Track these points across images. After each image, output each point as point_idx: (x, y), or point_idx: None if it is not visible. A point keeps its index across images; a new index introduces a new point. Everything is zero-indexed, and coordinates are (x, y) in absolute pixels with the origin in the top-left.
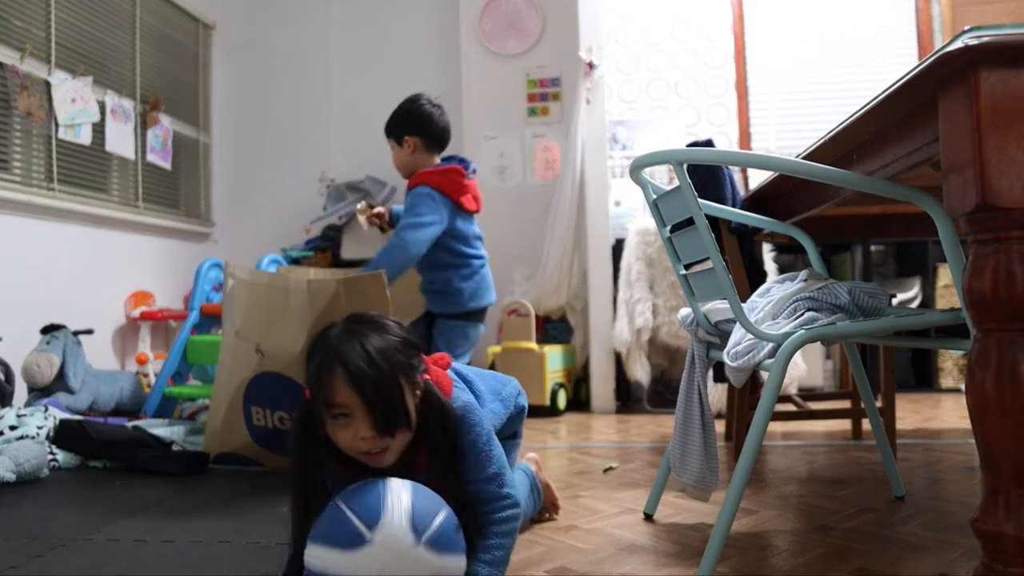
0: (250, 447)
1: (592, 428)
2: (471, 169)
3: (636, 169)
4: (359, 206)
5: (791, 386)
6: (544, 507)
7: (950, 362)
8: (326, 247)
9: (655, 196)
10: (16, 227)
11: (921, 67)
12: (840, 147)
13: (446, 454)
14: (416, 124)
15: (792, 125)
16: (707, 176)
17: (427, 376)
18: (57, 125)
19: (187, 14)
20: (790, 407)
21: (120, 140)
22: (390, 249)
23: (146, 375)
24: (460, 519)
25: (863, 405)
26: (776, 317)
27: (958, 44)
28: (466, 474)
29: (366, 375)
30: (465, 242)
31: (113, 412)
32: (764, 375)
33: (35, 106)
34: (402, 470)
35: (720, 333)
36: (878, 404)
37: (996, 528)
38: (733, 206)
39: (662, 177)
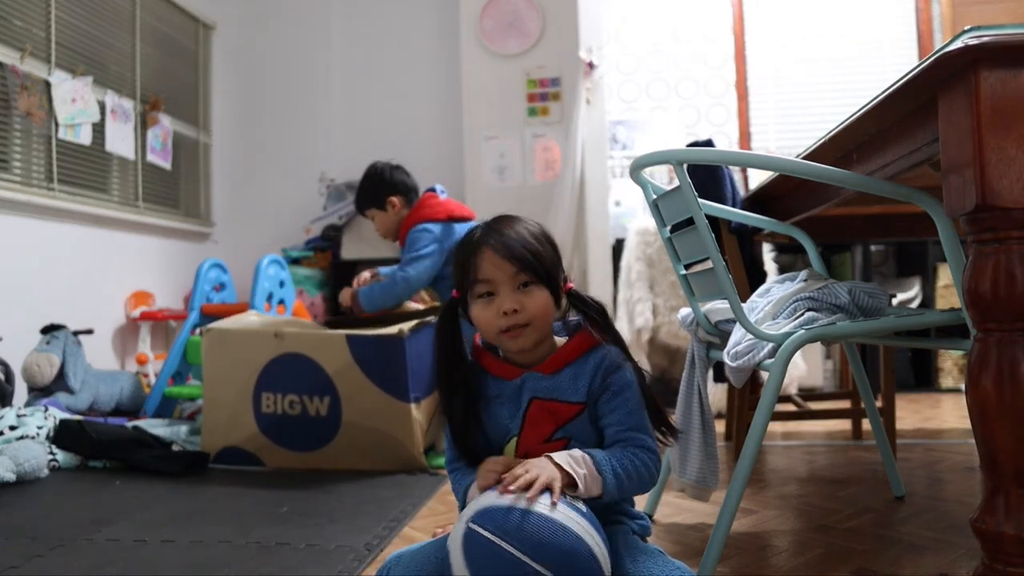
0: (255, 439)
1: None
2: (440, 190)
3: (636, 169)
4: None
5: (791, 386)
6: None
7: (950, 362)
8: (326, 247)
9: (655, 196)
10: (16, 227)
11: (921, 67)
12: (840, 147)
13: (613, 361)
14: (395, 185)
15: (792, 125)
16: (707, 176)
17: (571, 286)
18: (57, 125)
19: (187, 14)
20: (790, 407)
21: (120, 140)
22: (389, 284)
23: (146, 375)
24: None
25: (863, 405)
26: (776, 317)
27: (958, 44)
28: (615, 413)
29: (511, 242)
30: None
31: (113, 412)
32: (764, 375)
33: (35, 106)
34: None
35: (720, 333)
36: (878, 404)
37: (996, 528)
38: (733, 206)
39: (662, 177)
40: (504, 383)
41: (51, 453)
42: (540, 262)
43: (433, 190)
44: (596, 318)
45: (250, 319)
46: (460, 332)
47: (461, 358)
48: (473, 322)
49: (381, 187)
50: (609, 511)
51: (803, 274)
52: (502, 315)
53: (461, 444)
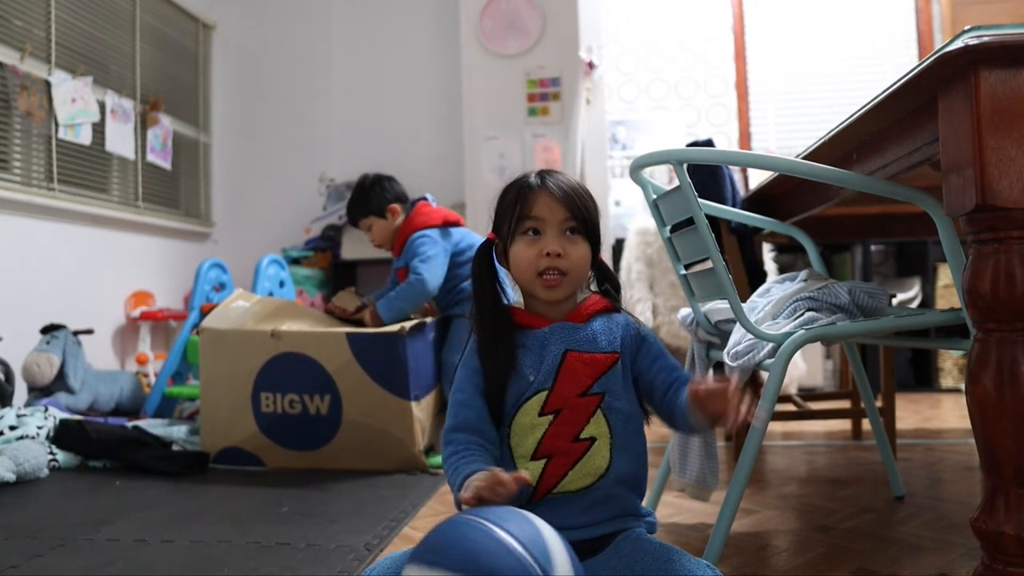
0: (255, 439)
1: None
2: (430, 199)
3: (636, 169)
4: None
5: (791, 386)
6: None
7: (950, 362)
8: (326, 247)
9: (655, 196)
10: (16, 227)
11: (921, 67)
12: (840, 147)
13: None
14: (396, 194)
15: (792, 125)
16: (707, 176)
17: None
18: (57, 125)
19: (187, 14)
20: (790, 407)
21: (120, 140)
22: (406, 288)
23: (146, 375)
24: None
25: (863, 405)
26: (776, 317)
27: (958, 44)
28: (658, 360)
29: (567, 188)
30: (472, 250)
31: (113, 412)
32: (764, 375)
33: (35, 106)
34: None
35: (720, 333)
36: (878, 404)
37: (996, 528)
38: (733, 206)
39: (662, 177)
40: (528, 332)
41: (51, 453)
42: (588, 214)
43: (425, 199)
44: (612, 292)
45: (239, 304)
46: (496, 273)
47: (499, 300)
48: (510, 262)
49: (381, 195)
50: (622, 510)
51: (803, 274)
52: (544, 255)
53: (493, 395)
